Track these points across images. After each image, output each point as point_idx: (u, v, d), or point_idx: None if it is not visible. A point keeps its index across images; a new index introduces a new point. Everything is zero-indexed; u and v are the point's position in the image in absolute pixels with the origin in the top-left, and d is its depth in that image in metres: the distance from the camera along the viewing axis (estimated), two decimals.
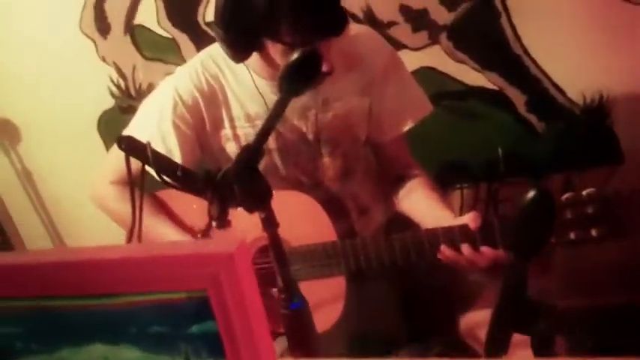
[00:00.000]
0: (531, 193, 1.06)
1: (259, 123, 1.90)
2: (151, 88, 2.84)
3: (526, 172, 2.68)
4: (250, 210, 1.39)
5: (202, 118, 1.95)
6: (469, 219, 1.68)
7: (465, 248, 1.67)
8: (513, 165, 2.62)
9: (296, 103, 1.86)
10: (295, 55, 1.33)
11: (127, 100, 2.93)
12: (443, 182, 2.73)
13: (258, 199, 1.38)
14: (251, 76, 1.89)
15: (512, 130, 2.63)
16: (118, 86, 2.92)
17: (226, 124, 1.95)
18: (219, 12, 1.65)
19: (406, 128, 2.01)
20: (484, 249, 1.66)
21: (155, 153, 1.42)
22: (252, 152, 1.38)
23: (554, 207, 1.09)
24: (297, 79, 1.35)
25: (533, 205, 1.07)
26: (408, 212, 2.00)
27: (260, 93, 1.89)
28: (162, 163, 1.44)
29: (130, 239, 1.50)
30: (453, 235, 1.70)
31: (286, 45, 1.65)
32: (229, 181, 1.36)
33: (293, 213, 1.82)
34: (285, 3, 1.58)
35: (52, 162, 3.19)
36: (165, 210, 2.00)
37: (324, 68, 1.64)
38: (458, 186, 2.80)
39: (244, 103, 1.93)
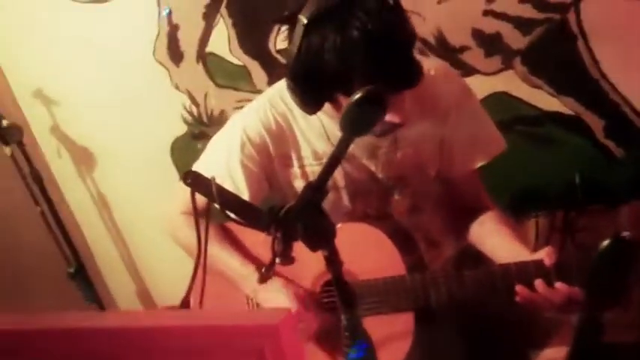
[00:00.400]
0: (607, 243, 0.99)
1: None
2: (222, 115, 2.89)
3: (604, 199, 2.61)
4: (313, 249, 1.36)
5: (270, 156, 1.93)
6: (544, 254, 1.62)
7: (539, 284, 1.61)
8: (591, 192, 2.58)
9: (365, 142, 1.84)
10: (357, 95, 1.29)
11: (200, 127, 2.95)
12: (517, 211, 2.69)
13: (321, 237, 1.36)
14: (318, 116, 1.85)
15: (590, 157, 2.56)
16: (190, 113, 2.94)
17: (294, 162, 1.93)
18: (290, 67, 1.61)
19: (478, 165, 1.95)
20: (559, 285, 1.59)
21: (220, 189, 1.41)
22: (315, 191, 1.35)
23: (633, 255, 1.01)
24: (359, 119, 1.32)
25: (610, 256, 1.00)
26: (480, 246, 1.93)
27: (326, 132, 1.87)
28: (226, 198, 1.43)
29: (195, 270, 1.49)
30: (527, 271, 1.63)
31: None
32: (293, 217, 1.34)
33: (360, 245, 1.80)
34: (356, 60, 1.52)
35: (126, 188, 3.23)
36: (232, 241, 1.99)
37: (398, 120, 1.63)
38: (533, 214, 2.73)
39: (312, 142, 1.90)
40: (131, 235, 3.40)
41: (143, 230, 3.28)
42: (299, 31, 1.55)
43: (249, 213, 1.44)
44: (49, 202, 3.01)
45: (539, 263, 1.62)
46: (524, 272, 1.64)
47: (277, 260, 1.37)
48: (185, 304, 1.54)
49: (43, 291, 3.22)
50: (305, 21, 1.54)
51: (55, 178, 3.29)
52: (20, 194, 2.96)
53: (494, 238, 1.89)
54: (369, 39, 1.51)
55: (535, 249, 2.51)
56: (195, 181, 1.43)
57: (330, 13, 1.53)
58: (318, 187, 1.36)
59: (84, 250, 3.37)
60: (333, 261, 1.40)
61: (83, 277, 3.13)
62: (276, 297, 1.88)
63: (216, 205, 1.43)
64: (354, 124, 1.31)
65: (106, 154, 3.19)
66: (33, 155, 3.00)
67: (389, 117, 1.60)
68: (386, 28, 1.53)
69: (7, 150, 2.85)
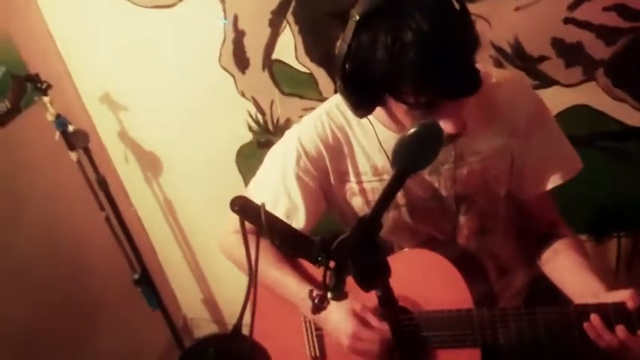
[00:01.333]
0: None
1: (387, 177, 1.78)
2: (288, 123, 2.83)
3: None
4: (366, 288, 1.27)
5: (326, 170, 1.85)
6: (627, 296, 1.49)
7: (620, 330, 1.49)
8: None
9: None
10: (412, 129, 1.17)
11: (265, 135, 2.90)
12: (598, 231, 2.58)
13: (374, 276, 1.27)
14: (373, 127, 1.76)
15: None
16: (256, 121, 2.89)
17: (352, 177, 1.85)
18: (340, 64, 1.52)
19: (551, 186, 1.81)
20: None
21: (269, 216, 1.33)
22: (369, 225, 1.25)
23: None
24: (412, 156, 1.21)
25: None
26: (551, 277, 1.82)
27: (382, 146, 1.77)
28: (275, 227, 1.35)
29: (248, 293, 1.41)
30: (607, 314, 1.51)
31: (409, 105, 1.50)
32: (345, 251, 1.25)
33: (424, 273, 1.74)
34: (407, 62, 1.40)
35: (192, 194, 3.23)
36: (289, 260, 1.92)
37: (454, 130, 1.51)
38: (615, 235, 2.60)
39: (371, 156, 1.81)
40: (197, 242, 3.41)
41: (209, 237, 3.22)
42: (351, 27, 1.46)
43: (299, 243, 1.35)
44: (114, 207, 3.02)
45: (620, 306, 1.50)
46: (604, 315, 1.51)
47: (329, 295, 1.29)
48: (237, 329, 1.48)
49: (109, 297, 3.25)
50: (357, 17, 1.44)
51: (122, 184, 3.30)
52: (86, 200, 2.96)
53: (568, 270, 1.77)
54: (423, 41, 1.39)
55: (616, 272, 2.40)
56: (243, 208, 1.35)
57: (385, 10, 1.42)
58: (371, 221, 1.26)
59: (150, 256, 3.40)
60: (388, 301, 1.31)
61: (148, 283, 3.15)
62: (332, 319, 1.81)
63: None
64: (409, 159, 1.19)
65: (172, 160, 3.18)
66: (100, 161, 3.01)
67: (442, 125, 1.50)
68: (442, 32, 1.41)
69: (74, 155, 2.86)
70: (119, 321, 3.27)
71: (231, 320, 3.56)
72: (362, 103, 1.58)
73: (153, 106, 3.03)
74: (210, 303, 3.58)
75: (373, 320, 1.77)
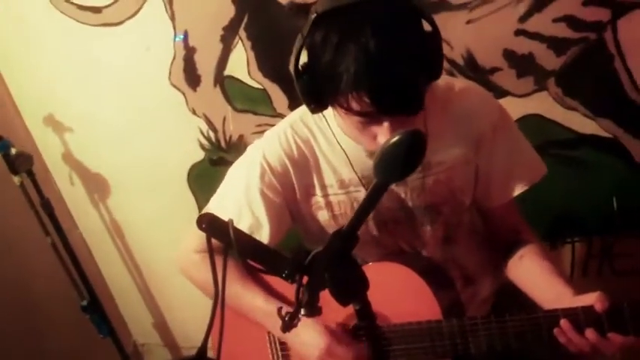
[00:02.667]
0: None
1: (353, 190, 1.79)
2: (241, 140, 2.80)
3: None
4: (343, 302, 1.26)
5: (292, 185, 1.83)
6: (595, 299, 1.50)
7: (590, 333, 1.50)
8: (629, 217, 2.50)
9: None
10: (395, 138, 1.13)
11: (218, 153, 2.87)
12: (552, 236, 2.62)
13: (351, 290, 1.26)
14: (337, 140, 1.76)
15: (628, 180, 2.45)
16: (208, 138, 2.85)
17: (318, 191, 1.83)
18: (293, 59, 1.53)
19: (517, 193, 1.84)
20: (612, 336, 1.49)
21: (238, 233, 1.29)
22: (345, 239, 1.23)
23: None
24: (396, 166, 1.17)
25: None
26: (518, 283, 1.83)
27: (348, 158, 1.76)
28: (246, 244, 1.32)
29: (213, 313, 1.37)
30: (577, 318, 1.52)
31: (345, 110, 1.51)
32: (319, 266, 1.23)
33: (391, 286, 1.71)
34: (346, 69, 1.42)
35: (141, 216, 3.17)
36: (254, 276, 1.89)
37: None
38: (569, 240, 2.65)
39: (337, 169, 1.80)
40: (147, 266, 3.33)
41: (160, 260, 3.21)
42: (308, 23, 1.47)
43: (270, 259, 1.32)
44: (60, 232, 2.94)
45: (589, 310, 1.51)
46: (574, 320, 1.52)
47: (302, 311, 1.26)
48: (202, 351, 1.44)
49: (56, 325, 3.17)
50: (315, 15, 1.45)
51: (67, 207, 3.21)
52: (30, 225, 2.88)
53: (535, 277, 1.78)
54: (364, 57, 1.40)
55: (571, 277, 2.43)
56: (211, 225, 1.31)
57: (339, 14, 1.43)
58: (347, 235, 1.24)
59: (98, 281, 3.32)
60: (366, 315, 1.30)
61: (97, 309, 3.07)
62: (304, 334, 1.78)
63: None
64: (391, 169, 1.17)
65: (120, 181, 3.11)
66: (44, 184, 2.93)
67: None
68: (387, 52, 1.41)
69: (16, 179, 2.78)
70: (68, 349, 3.19)
71: (184, 344, 3.50)
72: (312, 98, 1.58)
73: (100, 126, 2.97)
74: (162, 327, 3.50)
75: (347, 338, 1.76)
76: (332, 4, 1.44)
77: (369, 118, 1.50)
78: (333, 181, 1.81)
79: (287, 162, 1.80)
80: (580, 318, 1.51)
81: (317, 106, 1.59)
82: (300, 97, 1.58)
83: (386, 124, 1.51)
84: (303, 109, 1.82)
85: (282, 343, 1.89)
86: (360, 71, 1.41)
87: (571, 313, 1.53)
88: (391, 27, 1.43)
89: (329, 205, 1.83)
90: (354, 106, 1.48)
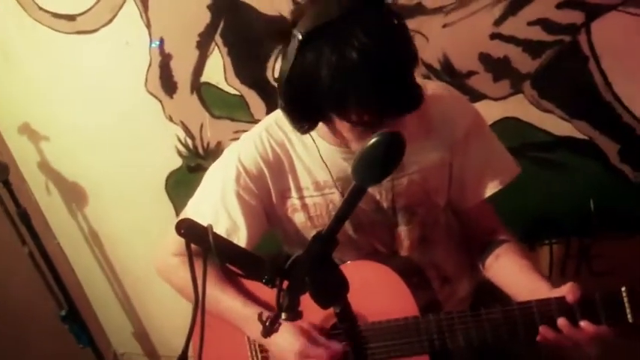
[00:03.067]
0: None
1: (329, 192, 1.80)
2: (219, 146, 2.80)
3: (621, 226, 2.52)
4: (324, 305, 1.26)
5: (268, 188, 1.83)
6: (567, 290, 1.52)
7: (563, 324, 1.52)
8: (606, 218, 2.50)
9: None
10: (373, 140, 1.15)
11: (195, 160, 2.86)
12: (530, 238, 2.62)
13: (332, 293, 1.26)
14: (314, 142, 1.77)
15: (605, 182, 2.45)
16: (185, 145, 2.84)
17: (294, 193, 1.84)
18: (283, 83, 1.51)
19: (490, 193, 1.86)
20: (584, 325, 1.50)
21: (217, 238, 1.29)
22: (325, 242, 1.24)
23: None
24: (375, 167, 1.18)
25: None
26: (497, 282, 1.85)
27: (324, 161, 1.77)
28: (225, 248, 1.32)
29: (194, 318, 1.37)
30: (549, 309, 1.54)
31: (352, 123, 1.52)
32: (300, 270, 1.24)
33: (369, 285, 1.72)
34: (352, 81, 1.42)
35: (118, 223, 3.16)
36: (233, 281, 1.89)
37: None
38: (546, 242, 2.64)
39: (312, 171, 1.81)
40: (126, 274, 3.31)
41: (139, 268, 3.19)
42: (293, 46, 1.45)
43: (250, 264, 1.32)
44: (37, 241, 2.92)
45: (561, 300, 1.53)
46: (547, 311, 1.55)
47: (283, 316, 1.27)
48: (183, 357, 1.43)
49: (35, 335, 3.15)
50: (300, 36, 1.44)
51: (44, 217, 3.19)
52: (7, 235, 2.87)
53: (512, 273, 1.81)
54: (367, 61, 1.40)
55: (549, 278, 2.45)
56: (190, 231, 1.31)
57: (328, 29, 1.43)
58: (327, 238, 1.24)
59: (77, 291, 3.30)
60: (346, 317, 1.30)
61: (76, 319, 3.06)
62: (279, 335, 1.76)
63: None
64: (370, 171, 1.18)
65: (97, 189, 3.10)
66: (20, 193, 2.92)
67: None
68: (386, 51, 1.43)
69: None
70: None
71: (163, 352, 3.48)
72: (305, 120, 1.58)
73: (76, 134, 2.96)
74: (141, 336, 3.48)
75: (321, 338, 1.76)
76: (317, 22, 1.44)
77: (372, 125, 1.50)
78: (308, 184, 1.82)
79: (262, 165, 1.81)
80: (553, 309, 1.53)
81: (310, 126, 1.60)
82: (292, 121, 1.59)
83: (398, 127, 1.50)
84: (278, 113, 1.83)
85: (261, 346, 1.89)
86: (365, 84, 1.42)
87: (544, 305, 1.55)
88: (379, 27, 1.44)
89: (305, 207, 1.84)
90: (358, 117, 1.49)
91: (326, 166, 1.77)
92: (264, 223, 1.88)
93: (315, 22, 1.44)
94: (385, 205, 1.84)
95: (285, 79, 1.50)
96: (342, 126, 1.57)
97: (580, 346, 1.54)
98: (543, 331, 1.54)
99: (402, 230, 1.88)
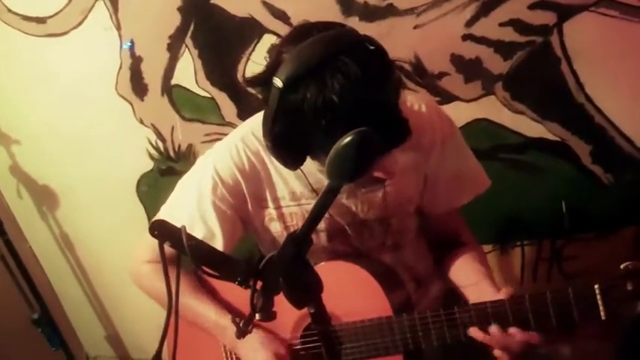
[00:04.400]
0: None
1: (305, 202, 1.79)
2: (190, 149, 2.78)
3: (593, 227, 2.56)
4: (298, 305, 1.26)
5: (244, 197, 1.82)
6: (502, 293, 1.60)
7: (493, 330, 1.57)
8: (578, 220, 2.53)
9: None
10: (347, 139, 1.15)
11: (167, 162, 2.84)
12: (502, 240, 2.63)
13: (306, 293, 1.26)
14: None
15: (577, 183, 2.47)
16: (156, 148, 2.82)
17: (270, 203, 1.82)
18: (268, 129, 1.48)
19: (460, 205, 1.91)
20: (513, 330, 1.55)
21: (191, 239, 1.28)
22: (299, 243, 1.24)
23: None
24: (349, 165, 1.18)
25: None
26: (455, 283, 1.89)
27: (302, 171, 1.75)
28: (199, 249, 1.30)
29: (167, 324, 1.35)
30: (485, 313, 1.59)
31: None
32: (274, 270, 1.24)
33: (342, 285, 1.73)
34: (337, 122, 1.37)
35: (90, 227, 3.13)
36: (207, 288, 1.89)
37: (387, 176, 1.55)
38: (518, 243, 2.67)
39: (289, 182, 1.79)
40: (98, 277, 3.28)
41: (111, 271, 3.17)
42: (275, 93, 1.42)
43: (224, 265, 1.31)
44: (8, 245, 2.90)
45: (495, 304, 1.58)
46: (483, 314, 1.60)
47: (257, 316, 1.27)
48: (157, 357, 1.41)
49: (7, 339, 3.11)
50: (280, 85, 1.40)
51: (15, 220, 3.15)
52: None
53: (464, 275, 1.86)
54: (351, 104, 1.37)
55: (521, 279, 2.48)
56: (163, 232, 1.29)
57: (308, 75, 1.39)
58: (301, 239, 1.25)
59: (49, 294, 3.27)
60: (320, 318, 1.29)
61: (48, 322, 3.04)
62: (257, 355, 1.80)
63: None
64: (344, 170, 1.17)
65: (68, 192, 3.06)
66: None
67: (377, 173, 1.52)
68: (369, 94, 1.40)
69: None
70: None
71: (136, 355, 3.46)
72: (294, 160, 1.56)
73: (47, 137, 2.92)
74: (114, 339, 3.45)
75: None
76: (295, 71, 1.40)
77: None
78: (284, 193, 1.81)
79: (238, 175, 1.79)
80: (488, 312, 1.59)
81: (299, 164, 1.58)
82: (280, 161, 1.56)
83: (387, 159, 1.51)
84: (253, 121, 1.82)
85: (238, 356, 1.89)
86: (353, 120, 1.33)
87: (480, 308, 1.60)
88: (357, 71, 1.39)
89: (281, 217, 1.83)
90: None
91: (305, 177, 1.76)
92: (239, 230, 1.87)
93: (294, 69, 1.40)
94: (361, 216, 1.83)
95: (270, 125, 1.47)
96: None
97: (513, 353, 1.59)
98: (473, 332, 1.60)
99: (376, 240, 1.89)
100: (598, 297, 1.48)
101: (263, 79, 1.50)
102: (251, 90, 2.49)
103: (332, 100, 1.37)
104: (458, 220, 1.98)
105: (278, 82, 1.41)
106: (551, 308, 1.53)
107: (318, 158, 1.58)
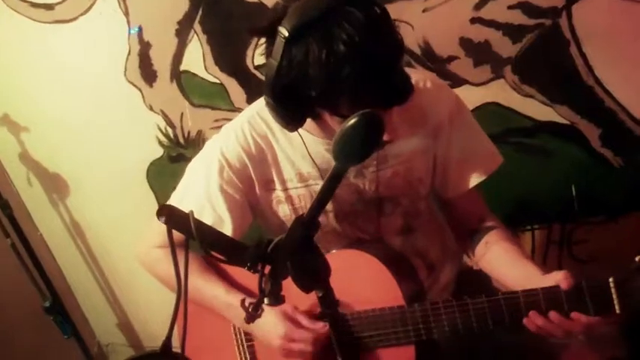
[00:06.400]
0: None
1: (313, 182, 1.79)
2: (200, 135, 2.78)
3: (603, 211, 2.55)
4: (306, 289, 1.25)
5: (251, 181, 1.82)
6: (561, 278, 1.51)
7: (554, 316, 1.51)
8: (588, 203, 2.51)
9: None
10: (352, 120, 1.14)
11: (177, 149, 2.84)
12: (512, 223, 2.60)
13: (314, 277, 1.25)
14: (298, 133, 1.73)
15: (587, 167, 2.47)
16: (166, 135, 2.83)
17: (277, 185, 1.82)
18: (270, 82, 1.49)
19: (474, 184, 1.84)
20: (575, 316, 1.50)
21: (199, 224, 1.28)
22: (307, 226, 1.23)
23: None
24: (355, 147, 1.17)
25: None
26: (487, 270, 1.84)
27: (309, 152, 1.75)
28: (206, 234, 1.30)
29: (176, 308, 1.35)
30: (536, 300, 1.53)
31: (344, 117, 1.47)
32: (282, 254, 1.23)
33: (354, 274, 1.72)
34: (344, 74, 1.40)
35: (101, 214, 3.13)
36: (215, 269, 1.89)
37: (386, 138, 1.51)
38: (528, 227, 2.65)
39: (296, 163, 1.79)
40: (109, 264, 3.29)
41: (121, 259, 3.18)
42: (280, 44, 1.43)
43: (232, 249, 1.31)
44: (19, 233, 2.91)
45: (548, 290, 1.52)
46: (534, 301, 1.54)
47: (265, 301, 1.26)
48: (167, 347, 1.42)
49: (19, 327, 3.13)
50: (286, 34, 1.41)
51: (26, 208, 3.17)
52: None
53: (502, 260, 1.80)
54: (357, 52, 1.38)
55: None
56: (171, 217, 1.29)
57: (314, 25, 1.41)
58: (309, 222, 1.24)
59: (60, 282, 3.28)
60: (329, 302, 1.29)
61: (60, 310, 3.05)
62: (263, 321, 1.75)
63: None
64: (350, 152, 1.17)
65: (78, 180, 3.07)
66: (1, 185, 2.92)
67: None
68: (373, 42, 1.40)
69: None
70: (31, 351, 3.16)
71: (148, 343, 3.47)
72: (294, 118, 1.56)
73: (56, 125, 2.93)
74: (126, 327, 3.46)
75: (304, 320, 1.75)
76: (303, 18, 1.41)
77: None
78: (292, 175, 1.80)
79: (245, 158, 1.79)
80: (539, 299, 1.53)
81: (298, 124, 1.58)
82: (280, 120, 1.57)
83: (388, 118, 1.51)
84: (259, 104, 1.81)
85: (247, 333, 1.88)
86: (356, 77, 1.40)
87: (531, 294, 1.54)
88: (365, 18, 1.41)
89: (289, 198, 1.83)
90: (350, 111, 1.44)
91: (310, 157, 1.76)
92: (248, 216, 1.86)
93: (300, 18, 1.42)
94: (369, 195, 1.83)
95: (272, 78, 1.48)
96: (333, 120, 1.55)
97: (571, 335, 1.55)
98: (532, 315, 1.54)
99: (385, 220, 1.87)
100: (613, 290, 1.47)
101: (267, 30, 1.50)
102: (260, 76, 2.52)
103: (337, 51, 1.38)
104: (478, 203, 1.93)
105: (284, 31, 1.42)
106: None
107: (321, 121, 1.58)
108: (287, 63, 1.44)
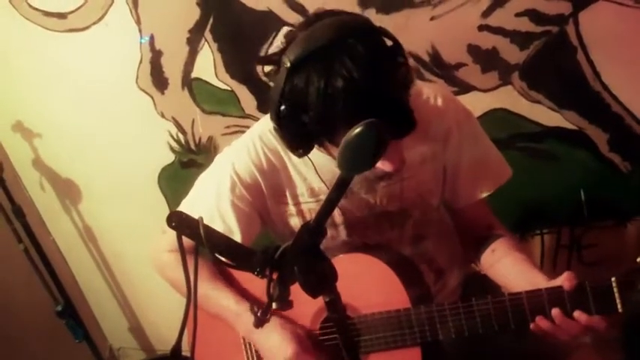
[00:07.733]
0: None
1: (323, 198, 1.78)
2: (211, 141, 2.80)
3: (611, 215, 2.56)
4: (313, 294, 1.27)
5: (263, 195, 1.83)
6: (564, 279, 1.53)
7: (557, 314, 1.53)
8: (597, 208, 2.53)
9: (363, 175, 1.74)
10: (356, 130, 1.15)
11: (188, 155, 2.86)
12: (521, 228, 2.63)
13: (320, 282, 1.27)
14: None
15: (595, 171, 2.49)
16: (177, 141, 2.85)
17: (289, 199, 1.84)
18: (274, 109, 1.50)
19: (484, 195, 1.86)
20: (577, 315, 1.51)
21: (208, 230, 1.30)
22: (313, 233, 1.25)
23: None
24: (358, 155, 1.17)
25: None
26: (494, 277, 1.85)
27: (315, 167, 1.76)
28: (215, 240, 1.32)
29: (186, 314, 1.37)
30: (540, 300, 1.55)
31: None
32: (289, 260, 1.25)
33: (361, 277, 1.73)
34: (339, 108, 1.40)
35: (113, 220, 3.15)
36: (225, 277, 1.90)
37: (392, 169, 1.54)
38: (538, 232, 2.67)
39: (307, 178, 1.80)
40: (121, 269, 3.31)
41: (133, 264, 3.20)
42: (282, 72, 1.44)
43: (241, 255, 1.33)
44: (32, 238, 2.93)
45: (552, 291, 1.54)
46: (537, 302, 1.56)
47: (274, 305, 1.28)
48: (176, 351, 1.44)
49: (31, 331, 3.15)
50: (288, 63, 1.42)
51: (38, 214, 3.19)
52: (2, 231, 2.88)
53: (508, 268, 1.80)
54: (354, 88, 1.39)
55: (541, 268, 2.46)
56: (181, 223, 1.31)
57: (316, 56, 1.41)
58: (315, 229, 1.26)
59: (72, 286, 3.29)
60: (336, 306, 1.31)
61: (72, 314, 3.06)
62: (272, 338, 1.79)
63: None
64: (353, 161, 1.18)
65: (91, 186, 3.10)
66: (15, 191, 2.92)
67: (381, 165, 1.52)
68: (373, 79, 1.41)
69: None
70: (43, 355, 3.19)
71: (159, 347, 3.48)
72: (299, 144, 1.56)
73: (69, 131, 2.96)
74: (137, 331, 3.48)
75: (312, 345, 1.78)
76: (306, 49, 1.42)
77: None
78: (303, 190, 1.82)
79: (257, 174, 1.81)
80: (543, 299, 1.54)
81: (305, 150, 1.58)
82: (286, 145, 1.58)
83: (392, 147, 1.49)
84: (269, 119, 1.83)
85: (255, 346, 1.89)
86: (352, 112, 1.38)
87: (535, 295, 1.56)
88: (367, 53, 1.41)
89: (300, 212, 1.84)
90: None
91: (318, 175, 1.77)
92: (257, 226, 1.88)
93: (303, 49, 1.42)
94: (380, 210, 1.84)
95: (276, 104, 1.49)
96: (334, 150, 1.55)
97: (575, 337, 1.56)
98: (539, 320, 1.55)
99: (396, 232, 1.89)
100: (615, 290, 1.48)
101: (275, 60, 1.52)
102: (270, 83, 2.54)
103: (335, 85, 1.39)
104: (486, 212, 1.94)
105: (286, 61, 1.43)
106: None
107: (324, 147, 1.59)
108: (289, 91, 1.45)
